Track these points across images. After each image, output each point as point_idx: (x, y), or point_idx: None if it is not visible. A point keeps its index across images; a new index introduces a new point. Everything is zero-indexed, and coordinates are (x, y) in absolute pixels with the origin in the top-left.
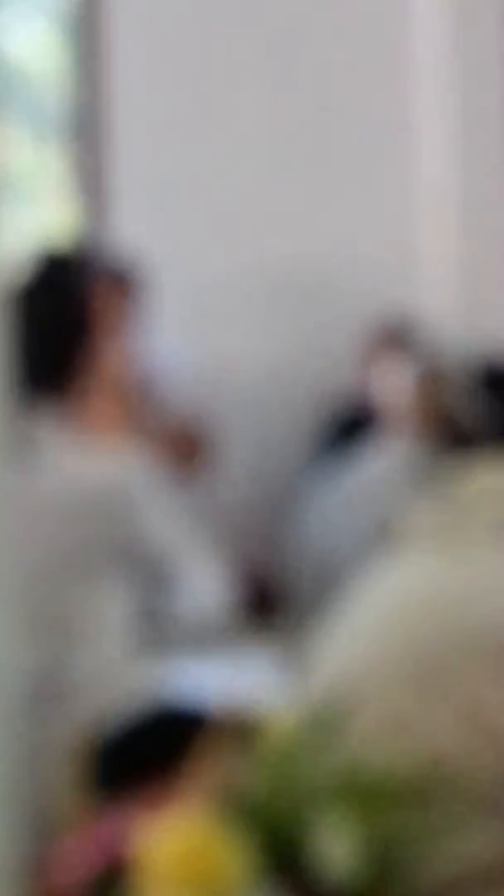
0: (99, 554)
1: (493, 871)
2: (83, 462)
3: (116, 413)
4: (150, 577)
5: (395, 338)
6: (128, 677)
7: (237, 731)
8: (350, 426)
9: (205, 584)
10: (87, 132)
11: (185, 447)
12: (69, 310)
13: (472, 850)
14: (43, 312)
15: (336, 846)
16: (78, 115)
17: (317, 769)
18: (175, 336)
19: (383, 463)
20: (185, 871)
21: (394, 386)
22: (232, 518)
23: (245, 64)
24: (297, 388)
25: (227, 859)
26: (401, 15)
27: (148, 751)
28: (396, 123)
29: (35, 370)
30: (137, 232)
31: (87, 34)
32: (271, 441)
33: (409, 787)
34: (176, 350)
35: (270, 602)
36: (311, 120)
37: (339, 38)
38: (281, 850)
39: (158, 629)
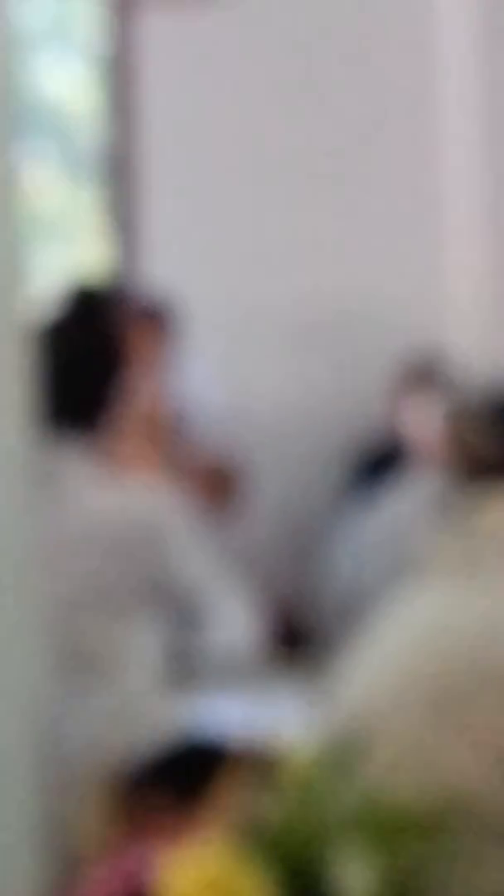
0: (130, 588)
1: None
2: (114, 496)
3: (147, 449)
4: (179, 611)
5: (423, 374)
6: (155, 711)
7: (259, 764)
8: (379, 462)
9: (234, 620)
10: (120, 173)
11: (215, 483)
12: (103, 345)
13: (490, 883)
14: (76, 347)
15: (355, 877)
16: (110, 155)
17: (336, 801)
18: (206, 373)
19: (410, 498)
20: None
21: (421, 422)
22: (260, 554)
23: (276, 102)
24: (326, 425)
25: (247, 889)
26: (430, 56)
27: (172, 783)
28: (426, 163)
29: (66, 404)
30: (168, 270)
31: (119, 76)
32: (300, 477)
33: (427, 819)
34: (207, 387)
35: (298, 638)
36: (340, 159)
37: (370, 77)
38: (301, 882)
39: (186, 664)
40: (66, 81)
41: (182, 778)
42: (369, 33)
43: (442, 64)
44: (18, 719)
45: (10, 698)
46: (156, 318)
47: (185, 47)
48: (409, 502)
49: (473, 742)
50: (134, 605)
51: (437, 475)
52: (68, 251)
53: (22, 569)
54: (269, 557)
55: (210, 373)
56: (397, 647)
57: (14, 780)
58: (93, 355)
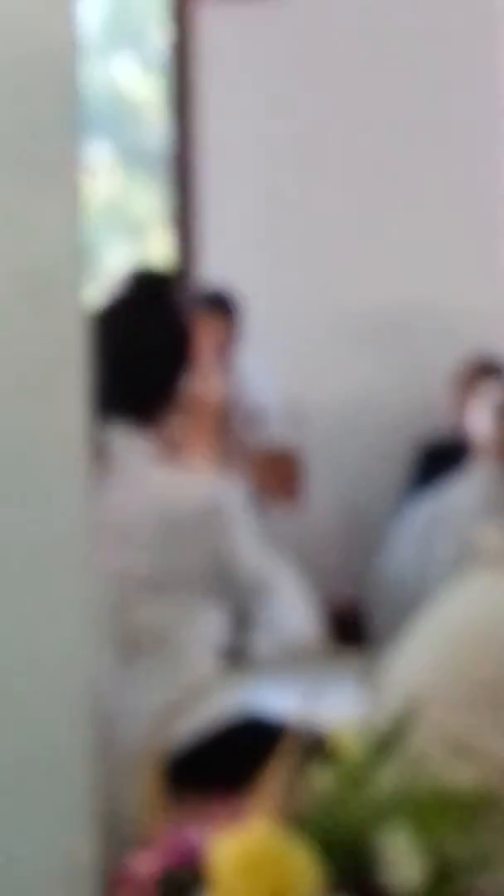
0: (190, 571)
1: None
2: (176, 481)
3: (205, 437)
4: (238, 598)
5: (484, 371)
6: (214, 695)
7: (311, 747)
8: (441, 459)
9: (293, 609)
10: (180, 168)
11: (274, 475)
12: (169, 328)
13: None
14: (141, 329)
15: (401, 863)
16: (171, 150)
17: (382, 786)
18: (267, 368)
19: (468, 493)
20: (254, 877)
21: (481, 417)
22: (320, 548)
23: (337, 97)
24: (388, 422)
25: (296, 869)
26: (494, 55)
27: (225, 764)
28: (490, 164)
29: (129, 388)
30: (228, 266)
31: (179, 71)
32: (362, 473)
33: (470, 806)
34: (268, 382)
35: (354, 631)
36: (403, 156)
37: (433, 75)
38: (348, 865)
39: (244, 652)
40: (128, 76)
41: (236, 759)
42: (432, 29)
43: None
44: (74, 698)
45: (67, 678)
46: (219, 308)
47: (245, 41)
48: (467, 497)
49: None
50: (194, 589)
51: (495, 469)
52: (131, 246)
53: (80, 551)
54: (328, 551)
55: (271, 368)
56: (443, 637)
57: (70, 759)
58: (158, 338)
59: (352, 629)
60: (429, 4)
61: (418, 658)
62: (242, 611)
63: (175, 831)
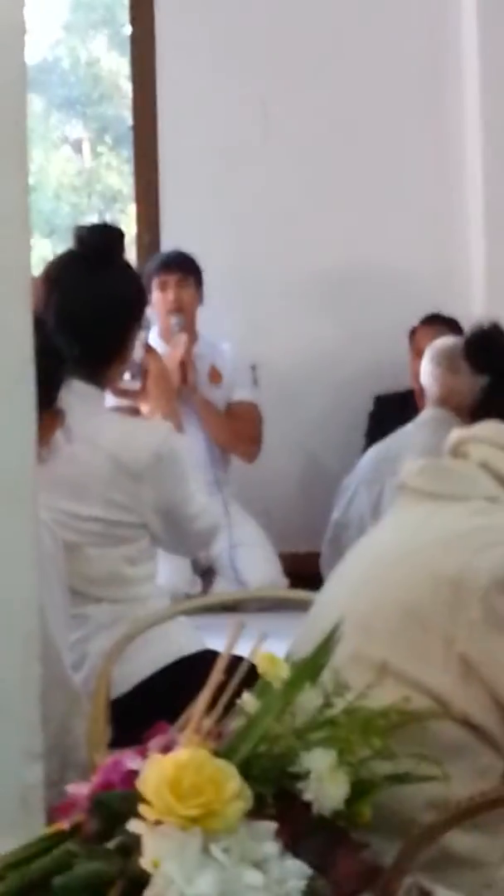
0: (142, 518)
1: (458, 816)
2: (127, 431)
3: (163, 394)
4: (188, 545)
5: (436, 324)
6: (161, 636)
7: (240, 674)
8: (397, 410)
9: (250, 560)
10: (144, 145)
11: (234, 431)
12: (120, 280)
13: (439, 793)
14: (93, 280)
15: (324, 781)
16: (135, 128)
17: (305, 708)
18: (228, 329)
19: (415, 436)
20: (183, 795)
21: (426, 367)
22: (277, 499)
23: (293, 66)
24: (345, 378)
25: (224, 788)
26: (446, 27)
27: (182, 697)
28: (441, 131)
29: (79, 340)
30: (190, 239)
31: (141, 51)
32: (322, 428)
33: (387, 725)
34: (228, 340)
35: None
36: (356, 124)
37: (389, 45)
38: (274, 784)
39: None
40: (103, 55)
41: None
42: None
43: (462, 29)
44: (23, 638)
45: (14, 619)
46: (181, 270)
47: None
48: (413, 441)
49: (431, 649)
50: (146, 535)
51: (439, 414)
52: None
53: (26, 497)
54: (288, 505)
55: (230, 329)
56: (365, 564)
57: (18, 694)
58: (109, 289)
59: (310, 580)
60: None
61: (343, 585)
62: (197, 556)
63: (113, 758)
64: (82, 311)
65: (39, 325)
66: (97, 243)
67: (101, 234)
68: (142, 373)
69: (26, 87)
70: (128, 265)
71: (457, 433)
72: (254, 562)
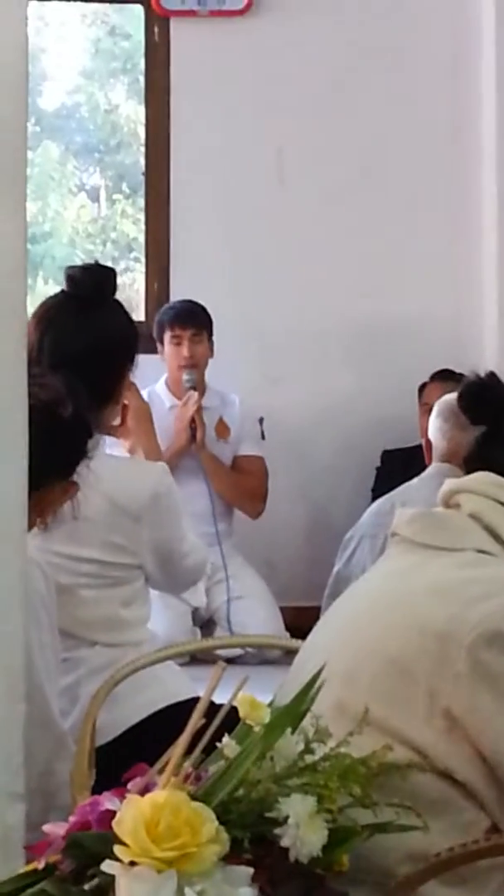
0: (136, 558)
1: (437, 867)
2: (124, 470)
3: (152, 439)
4: (181, 587)
5: (447, 379)
6: (152, 682)
7: (220, 717)
8: (406, 466)
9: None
10: (156, 197)
11: (240, 484)
12: (113, 319)
13: (419, 845)
14: (87, 319)
15: (303, 827)
16: (147, 180)
17: (286, 754)
18: (236, 381)
19: (419, 491)
20: (159, 836)
21: (434, 422)
22: (284, 556)
23: (305, 121)
24: (354, 433)
25: (201, 831)
26: (467, 68)
27: (153, 743)
28: (455, 185)
29: (80, 378)
30: (199, 292)
31: (156, 102)
32: (329, 483)
33: (368, 775)
34: (236, 393)
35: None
36: (369, 175)
37: (404, 88)
38: (252, 829)
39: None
40: (122, 104)
41: (164, 736)
42: (403, 46)
43: (481, 81)
44: (8, 678)
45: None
46: (191, 322)
47: (217, 61)
48: (417, 496)
49: (415, 701)
50: (140, 576)
51: (446, 471)
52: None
53: (17, 538)
54: (292, 559)
55: (238, 381)
56: (353, 612)
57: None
58: (103, 328)
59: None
60: (399, 10)
61: (329, 632)
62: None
63: (91, 799)
64: (76, 353)
65: (73, 395)
66: (89, 284)
67: (93, 274)
68: (122, 409)
69: (26, 119)
70: (120, 305)
71: (448, 484)
72: (254, 614)
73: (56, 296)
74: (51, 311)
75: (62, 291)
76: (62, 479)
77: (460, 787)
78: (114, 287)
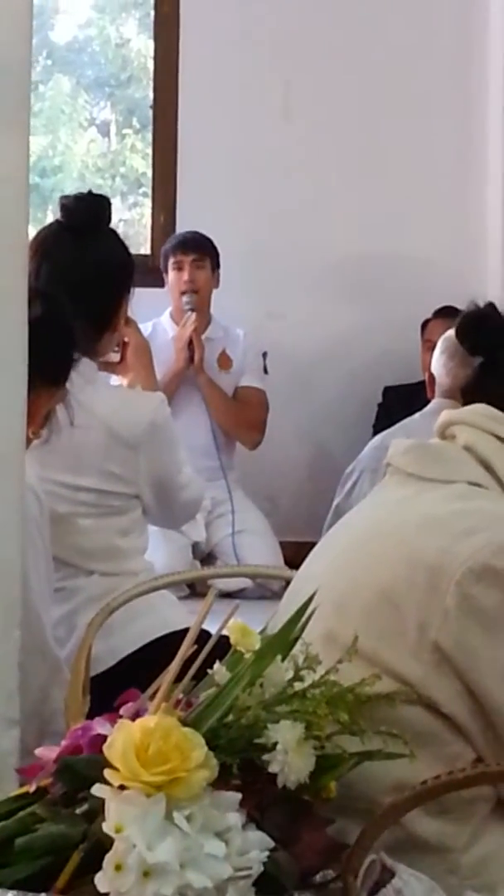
0: (138, 484)
1: (422, 794)
2: (121, 400)
3: (149, 371)
4: (177, 517)
5: (448, 316)
6: (148, 610)
7: (211, 644)
8: (407, 402)
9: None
10: (164, 130)
11: (242, 416)
12: (109, 248)
13: (406, 775)
14: (83, 248)
15: (290, 754)
16: (156, 114)
17: (275, 682)
18: (241, 315)
19: (420, 426)
20: (148, 760)
21: (435, 358)
22: (282, 486)
23: (316, 53)
24: (356, 368)
25: (190, 756)
26: (479, 12)
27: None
28: (464, 126)
29: (77, 306)
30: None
31: (165, 36)
32: (330, 418)
33: (355, 703)
34: (240, 326)
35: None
36: (379, 113)
37: (415, 34)
38: (241, 755)
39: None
40: (133, 39)
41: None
42: None
43: (490, 13)
44: (4, 606)
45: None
46: (196, 251)
47: None
48: (418, 431)
49: (405, 634)
50: (137, 505)
51: (447, 405)
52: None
53: (14, 467)
54: (292, 492)
55: (243, 315)
56: (345, 543)
57: None
58: (100, 256)
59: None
60: None
61: (322, 562)
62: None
63: (83, 724)
64: (72, 281)
65: (51, 300)
66: (83, 212)
67: (88, 203)
68: (121, 345)
69: (31, 45)
70: (115, 233)
71: (445, 415)
72: (255, 549)
73: (50, 226)
74: (46, 241)
75: (56, 221)
76: (47, 383)
77: (446, 720)
78: (108, 216)
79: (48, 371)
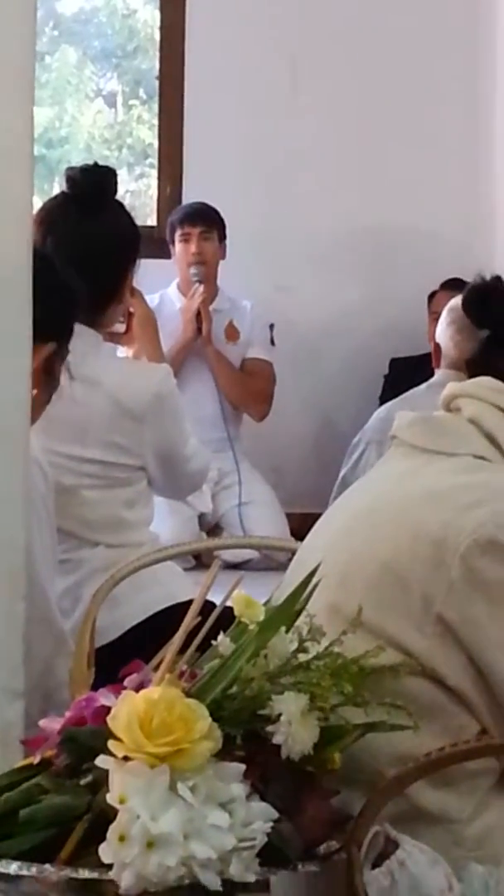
0: (144, 455)
1: (427, 766)
2: (127, 372)
3: (154, 342)
4: (181, 488)
5: (455, 289)
6: (153, 583)
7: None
8: (414, 374)
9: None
10: (171, 103)
11: (249, 388)
12: (115, 219)
13: (410, 747)
14: (90, 219)
15: (294, 725)
16: (161, 86)
17: (279, 653)
18: (248, 287)
19: (426, 398)
20: (152, 731)
21: (441, 330)
22: (289, 458)
23: (322, 28)
24: (363, 340)
25: (194, 727)
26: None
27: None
28: (470, 98)
29: (83, 277)
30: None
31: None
32: (337, 390)
33: (359, 675)
34: (247, 298)
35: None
36: (385, 87)
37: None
38: (244, 726)
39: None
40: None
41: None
42: None
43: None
44: (8, 579)
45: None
46: (203, 222)
47: None
48: (424, 403)
49: (409, 607)
50: (143, 477)
51: (453, 378)
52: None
53: (20, 440)
54: (297, 463)
55: (250, 287)
56: (349, 515)
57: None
58: (106, 228)
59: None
60: None
61: (326, 534)
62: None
63: (87, 695)
64: (78, 253)
65: (47, 262)
66: (89, 184)
67: (93, 175)
68: (127, 316)
69: (35, 14)
70: (121, 205)
71: (450, 387)
72: (261, 520)
73: (56, 197)
74: (52, 213)
75: (62, 193)
76: (43, 336)
77: (451, 693)
78: (114, 188)
79: (47, 329)
